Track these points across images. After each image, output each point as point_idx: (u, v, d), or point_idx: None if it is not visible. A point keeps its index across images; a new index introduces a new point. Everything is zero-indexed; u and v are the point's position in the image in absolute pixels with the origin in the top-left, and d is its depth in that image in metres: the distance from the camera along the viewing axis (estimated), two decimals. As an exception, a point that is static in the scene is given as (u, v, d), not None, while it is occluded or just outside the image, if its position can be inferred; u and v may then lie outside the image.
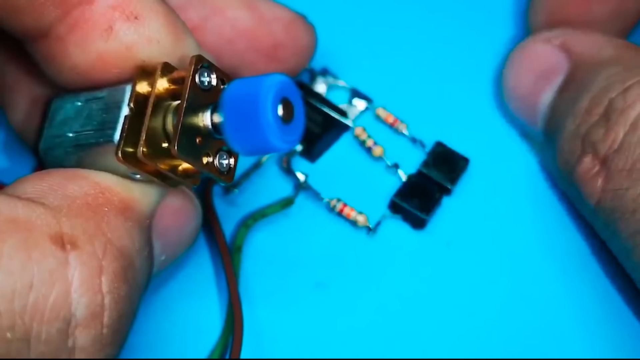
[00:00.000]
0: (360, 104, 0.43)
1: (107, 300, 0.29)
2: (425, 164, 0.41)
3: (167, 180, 0.32)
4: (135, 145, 0.31)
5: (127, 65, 0.32)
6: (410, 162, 0.42)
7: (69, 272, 0.28)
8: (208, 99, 0.31)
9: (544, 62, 0.41)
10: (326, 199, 0.41)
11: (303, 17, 0.40)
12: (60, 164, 0.33)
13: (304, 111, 0.30)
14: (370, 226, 0.41)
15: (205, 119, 0.30)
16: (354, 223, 0.41)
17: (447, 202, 0.41)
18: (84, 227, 0.29)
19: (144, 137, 0.30)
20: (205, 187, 0.40)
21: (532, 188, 0.42)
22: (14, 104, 0.37)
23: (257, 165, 0.42)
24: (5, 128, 0.41)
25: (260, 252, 0.40)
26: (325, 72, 0.43)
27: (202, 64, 0.31)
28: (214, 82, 0.31)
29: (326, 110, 0.42)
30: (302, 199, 0.41)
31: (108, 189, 0.31)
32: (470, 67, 0.44)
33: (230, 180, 0.32)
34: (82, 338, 0.28)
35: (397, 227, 0.41)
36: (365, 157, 0.42)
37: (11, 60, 0.37)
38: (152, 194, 0.33)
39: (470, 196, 0.42)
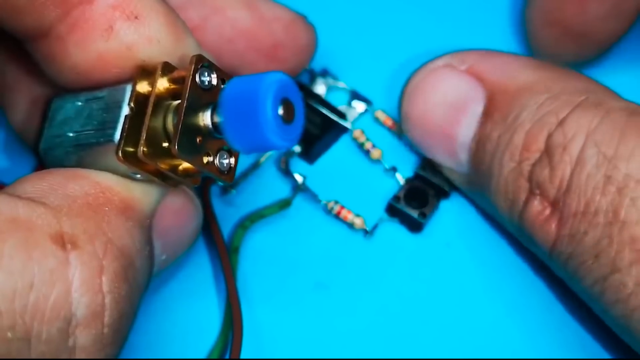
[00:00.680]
0: (359, 106, 0.43)
1: (107, 300, 0.29)
2: (423, 167, 0.41)
3: (168, 179, 0.32)
4: (136, 144, 0.30)
5: (127, 65, 0.32)
6: (408, 165, 0.42)
7: (70, 272, 0.28)
8: (208, 98, 0.31)
9: (453, 91, 0.39)
10: (324, 201, 0.41)
11: (303, 17, 0.40)
12: (60, 163, 0.33)
13: (304, 109, 0.30)
14: (367, 229, 0.41)
15: (205, 119, 0.30)
16: (351, 225, 0.41)
17: (444, 206, 0.41)
18: (85, 226, 0.29)
19: (144, 137, 0.30)
20: (204, 187, 0.39)
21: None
22: (14, 104, 0.37)
23: (255, 166, 0.42)
24: (5, 128, 0.41)
25: (258, 253, 0.40)
26: (325, 73, 0.43)
27: (202, 63, 0.31)
28: (214, 81, 0.31)
29: (325, 111, 0.42)
30: (299, 201, 0.41)
31: (108, 189, 0.31)
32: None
33: (230, 179, 0.32)
34: (83, 338, 0.28)
35: (394, 230, 0.41)
36: (364, 160, 0.42)
37: (11, 60, 0.37)
38: (152, 194, 0.33)
39: (467, 199, 0.42)
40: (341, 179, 0.42)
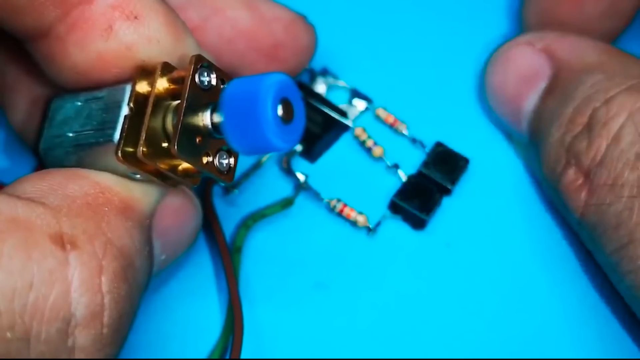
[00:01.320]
0: (360, 104, 0.43)
1: (107, 300, 0.29)
2: (425, 164, 0.41)
3: (167, 180, 0.32)
4: (135, 145, 0.31)
5: (127, 65, 0.32)
6: (410, 162, 0.42)
7: (69, 272, 0.28)
8: (208, 98, 0.31)
9: (526, 66, 0.41)
10: (326, 200, 0.41)
11: (303, 17, 0.40)
12: (60, 163, 0.33)
13: (304, 110, 0.30)
14: (370, 226, 0.41)
15: (205, 119, 0.30)
16: (354, 223, 0.41)
17: (447, 203, 0.41)
18: (84, 226, 0.29)
19: (143, 137, 0.30)
20: (205, 188, 0.39)
21: (532, 188, 0.42)
22: (14, 104, 0.37)
23: (257, 166, 0.42)
24: (5, 128, 0.41)
25: (260, 252, 0.40)
26: (325, 72, 0.43)
27: (202, 63, 0.31)
28: (213, 81, 0.31)
29: (326, 110, 0.42)
30: (302, 200, 0.41)
31: (108, 189, 0.31)
32: (470, 67, 0.44)
33: (230, 180, 0.32)
34: (82, 338, 0.28)
35: (397, 228, 0.41)
36: (365, 158, 0.42)
37: (11, 60, 0.37)
38: (152, 194, 0.33)
39: (470, 196, 0.42)
40: (343, 177, 0.42)
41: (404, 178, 0.42)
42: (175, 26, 0.32)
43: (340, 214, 0.41)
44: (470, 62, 0.44)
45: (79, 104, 0.33)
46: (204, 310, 0.39)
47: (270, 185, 0.41)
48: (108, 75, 0.32)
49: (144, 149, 0.30)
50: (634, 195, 0.34)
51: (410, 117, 0.43)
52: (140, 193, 0.32)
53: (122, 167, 0.31)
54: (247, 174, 0.41)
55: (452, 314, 0.39)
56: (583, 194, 0.36)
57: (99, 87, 0.33)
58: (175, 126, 0.30)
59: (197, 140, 0.31)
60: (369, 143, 0.42)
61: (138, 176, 0.32)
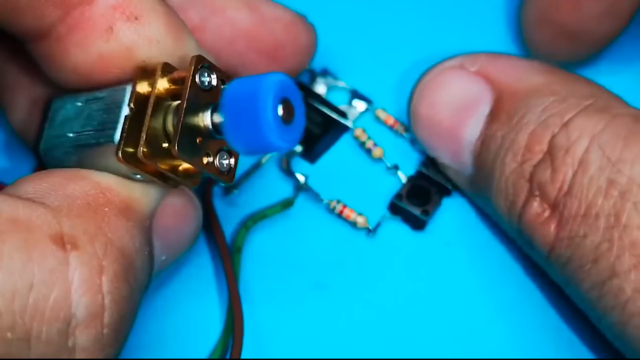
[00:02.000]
0: (360, 105, 0.43)
1: (107, 301, 0.29)
2: (425, 164, 0.41)
3: (168, 180, 0.32)
4: (136, 145, 0.30)
5: (127, 66, 0.32)
6: (410, 163, 0.42)
7: (70, 272, 0.28)
8: (208, 99, 0.31)
9: (462, 92, 0.39)
10: (326, 200, 0.41)
11: (303, 18, 0.40)
12: (60, 164, 0.33)
13: (304, 110, 0.30)
14: (370, 227, 0.41)
15: (205, 119, 0.30)
16: (353, 224, 0.41)
17: (447, 203, 0.41)
18: (85, 227, 0.29)
19: (144, 138, 0.30)
20: (205, 188, 0.39)
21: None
22: (14, 104, 0.37)
23: (257, 166, 0.42)
24: (5, 128, 0.41)
25: (261, 253, 0.40)
26: (325, 73, 0.43)
27: (202, 64, 0.31)
28: (214, 82, 0.31)
29: (326, 111, 0.42)
30: (302, 200, 0.41)
31: (108, 189, 0.31)
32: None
33: (230, 180, 0.32)
34: (83, 338, 0.28)
35: (396, 229, 0.41)
36: (365, 159, 0.42)
37: (11, 60, 0.37)
38: (152, 194, 0.33)
39: (470, 197, 0.41)
40: (343, 178, 0.42)
41: (403, 179, 0.42)
42: (175, 27, 0.32)
43: (340, 215, 0.41)
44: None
45: (80, 104, 0.33)
46: (204, 310, 0.39)
47: (270, 186, 0.41)
48: (108, 75, 0.32)
49: (145, 150, 0.30)
50: (611, 225, 0.32)
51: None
52: (140, 193, 0.32)
53: (123, 167, 0.31)
54: (247, 175, 0.41)
55: (452, 314, 0.39)
56: (552, 227, 0.34)
57: (99, 88, 0.33)
58: (175, 126, 0.30)
59: (198, 140, 0.31)
60: (369, 144, 0.42)
61: (138, 177, 0.32)
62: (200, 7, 0.38)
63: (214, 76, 0.31)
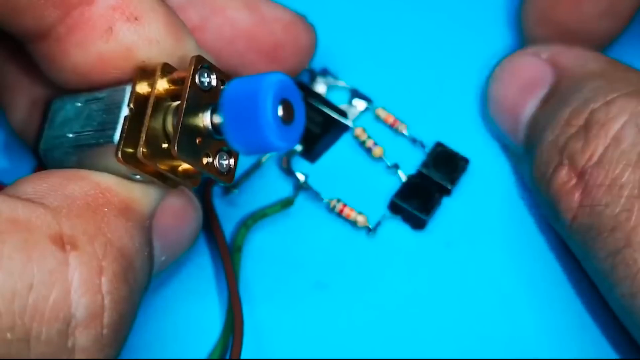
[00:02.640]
0: (360, 105, 0.43)
1: (107, 301, 0.29)
2: (425, 164, 0.41)
3: (167, 180, 0.32)
4: (135, 145, 0.30)
5: (127, 66, 0.32)
6: (410, 162, 0.42)
7: (69, 273, 0.28)
8: (208, 99, 0.31)
9: (529, 73, 0.40)
10: (326, 200, 0.41)
11: (303, 18, 0.40)
12: (60, 164, 0.33)
13: (304, 110, 0.30)
14: (370, 226, 0.41)
15: (205, 120, 0.30)
16: (353, 223, 0.41)
17: (447, 203, 0.41)
18: (84, 227, 0.29)
19: (143, 138, 0.30)
20: (205, 188, 0.40)
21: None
22: (14, 104, 0.37)
23: (257, 166, 0.42)
24: (5, 128, 0.41)
25: (261, 252, 0.40)
26: (325, 73, 0.43)
27: (202, 64, 0.31)
28: (214, 82, 0.31)
29: (326, 110, 0.42)
30: (302, 200, 0.41)
31: (108, 190, 0.31)
32: (470, 67, 0.44)
33: (230, 180, 0.32)
34: (82, 338, 0.28)
35: (397, 228, 0.41)
36: (365, 158, 0.42)
37: (11, 61, 0.37)
38: (152, 195, 0.33)
39: (470, 196, 0.42)
40: (343, 177, 0.42)
41: (403, 178, 0.42)
42: (175, 27, 0.32)
43: (340, 214, 0.41)
44: (470, 62, 0.44)
45: (79, 104, 0.33)
46: (204, 310, 0.39)
47: (270, 185, 0.41)
48: (108, 76, 0.32)
49: (144, 150, 0.30)
50: (634, 195, 0.33)
51: (410, 117, 0.43)
52: (140, 194, 0.32)
53: (122, 168, 0.31)
54: (247, 174, 0.41)
55: (451, 314, 0.39)
56: (576, 195, 0.35)
57: (99, 88, 0.33)
58: (175, 127, 0.30)
59: (197, 141, 0.31)
60: (369, 143, 0.42)
61: (138, 177, 0.32)
62: (200, 7, 0.38)
63: (213, 76, 0.31)
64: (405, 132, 0.42)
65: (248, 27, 0.38)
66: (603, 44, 0.42)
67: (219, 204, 0.40)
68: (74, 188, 0.30)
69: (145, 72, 0.32)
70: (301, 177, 0.41)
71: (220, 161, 0.32)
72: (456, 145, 0.42)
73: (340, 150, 0.43)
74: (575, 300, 0.39)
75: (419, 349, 0.39)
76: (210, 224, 0.39)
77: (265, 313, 0.39)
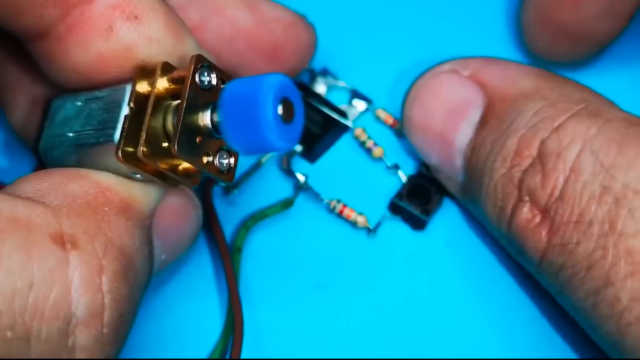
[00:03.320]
0: (360, 105, 0.43)
1: (107, 300, 0.29)
2: (426, 164, 0.41)
3: (168, 179, 0.32)
4: (136, 144, 0.31)
5: (127, 65, 0.32)
6: (410, 163, 0.42)
7: (69, 272, 0.28)
8: (208, 98, 0.31)
9: (453, 94, 0.38)
10: (326, 200, 0.41)
11: (303, 18, 0.40)
12: (60, 163, 0.33)
13: (304, 111, 0.30)
14: (370, 227, 0.41)
15: (205, 119, 0.30)
16: (354, 224, 0.41)
17: (447, 203, 0.41)
18: (84, 226, 0.29)
19: (144, 137, 0.30)
20: (205, 188, 0.40)
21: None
22: (14, 103, 0.37)
23: (257, 166, 0.42)
24: (5, 128, 0.41)
25: (261, 252, 0.40)
26: (325, 73, 0.43)
27: (202, 63, 0.31)
28: (214, 81, 0.31)
29: (326, 110, 0.42)
30: (302, 200, 0.41)
31: (108, 189, 0.31)
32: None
33: (230, 179, 0.32)
34: (83, 337, 0.28)
35: (397, 228, 0.41)
36: (365, 158, 0.42)
37: (11, 60, 0.37)
38: (152, 194, 0.33)
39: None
40: (343, 178, 0.42)
41: (404, 179, 0.42)
42: (175, 26, 0.32)
43: (340, 215, 0.41)
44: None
45: (79, 104, 0.33)
46: (204, 310, 0.39)
47: (270, 186, 0.41)
48: (108, 75, 0.32)
49: (144, 149, 0.30)
50: (605, 232, 0.32)
51: (410, 117, 0.43)
52: (140, 193, 0.32)
53: (123, 167, 0.31)
54: (247, 174, 0.41)
55: (451, 314, 0.39)
56: (543, 234, 0.34)
57: (99, 87, 0.33)
58: (175, 126, 0.30)
59: (197, 140, 0.31)
60: (369, 143, 0.42)
61: (138, 176, 0.32)
62: (200, 7, 0.38)
63: (213, 76, 0.31)
64: (405, 132, 0.42)
65: (248, 26, 0.38)
66: (603, 44, 0.41)
67: (219, 204, 0.40)
68: (74, 187, 0.30)
69: (146, 71, 0.32)
70: (301, 178, 0.41)
71: (221, 160, 0.32)
72: (456, 145, 0.42)
73: (340, 151, 0.43)
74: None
75: (419, 349, 0.39)
76: (210, 224, 0.39)
77: (265, 313, 0.39)
